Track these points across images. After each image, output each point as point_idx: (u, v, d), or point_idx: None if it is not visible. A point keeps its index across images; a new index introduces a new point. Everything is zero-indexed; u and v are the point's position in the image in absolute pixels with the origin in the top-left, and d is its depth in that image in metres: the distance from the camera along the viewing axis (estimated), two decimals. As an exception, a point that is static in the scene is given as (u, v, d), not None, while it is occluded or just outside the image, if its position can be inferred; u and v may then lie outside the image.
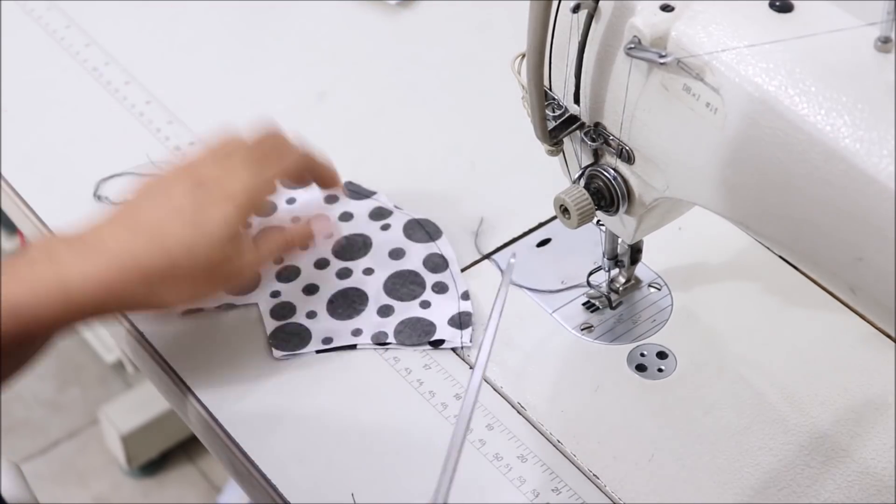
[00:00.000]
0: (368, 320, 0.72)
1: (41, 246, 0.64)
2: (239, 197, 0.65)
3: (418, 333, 0.71)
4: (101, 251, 0.63)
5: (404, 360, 0.71)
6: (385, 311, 0.72)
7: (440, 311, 0.72)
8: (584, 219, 0.66)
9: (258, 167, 0.68)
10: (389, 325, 0.71)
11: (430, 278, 0.73)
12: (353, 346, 0.71)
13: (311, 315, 0.72)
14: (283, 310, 0.72)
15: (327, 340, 0.71)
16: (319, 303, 0.73)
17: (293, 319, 0.72)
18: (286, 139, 0.71)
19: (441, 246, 0.75)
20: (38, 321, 0.61)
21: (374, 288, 0.73)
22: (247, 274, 0.68)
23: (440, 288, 0.73)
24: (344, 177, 0.83)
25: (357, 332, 0.71)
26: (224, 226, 0.65)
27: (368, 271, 0.74)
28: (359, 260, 0.75)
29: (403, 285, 0.73)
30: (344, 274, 0.74)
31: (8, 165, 0.83)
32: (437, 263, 0.74)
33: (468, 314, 0.71)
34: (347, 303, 0.73)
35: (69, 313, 0.62)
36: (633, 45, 0.59)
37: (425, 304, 0.72)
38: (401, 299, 0.72)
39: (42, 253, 0.63)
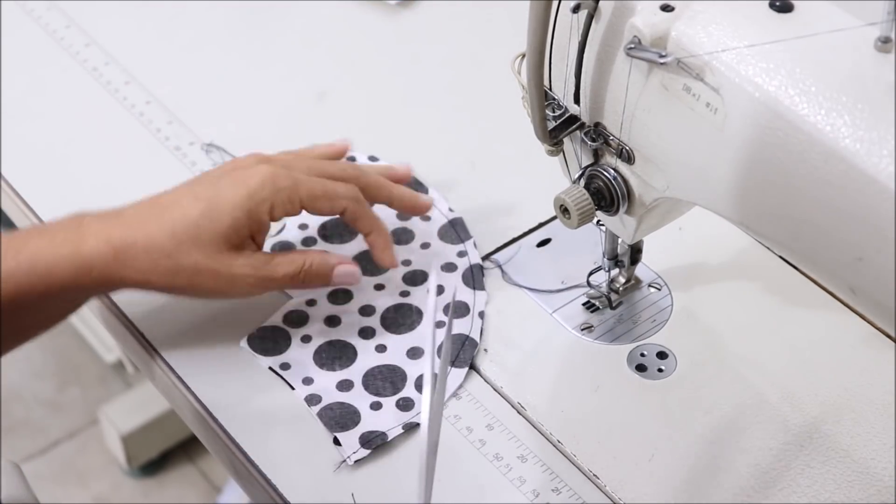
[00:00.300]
0: (325, 380, 0.69)
1: (76, 214, 0.68)
2: (254, 184, 0.67)
3: (338, 423, 0.67)
4: (119, 219, 0.67)
5: (404, 360, 0.71)
6: (343, 386, 0.69)
7: (383, 414, 0.67)
8: (584, 219, 0.66)
9: (288, 167, 0.69)
10: (328, 398, 0.68)
11: (412, 374, 0.69)
12: (291, 387, 0.69)
13: (306, 339, 0.71)
14: (296, 317, 0.72)
15: (284, 366, 0.70)
16: (320, 335, 0.71)
17: (288, 329, 0.71)
18: (349, 165, 0.72)
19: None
20: (51, 275, 0.65)
21: (363, 362, 0.69)
22: (243, 274, 0.67)
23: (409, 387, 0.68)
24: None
25: (308, 381, 0.69)
26: (231, 208, 0.66)
27: (381, 347, 0.71)
28: (394, 334, 0.71)
29: (385, 378, 0.69)
30: (367, 333, 0.71)
31: (7, 165, 0.83)
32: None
33: (377, 434, 0.66)
34: (334, 354, 0.70)
35: (80, 271, 0.65)
36: (633, 45, 0.59)
37: (376, 406, 0.68)
38: (365, 387, 0.68)
39: (73, 218, 0.67)
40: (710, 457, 0.66)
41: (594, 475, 0.65)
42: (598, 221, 0.70)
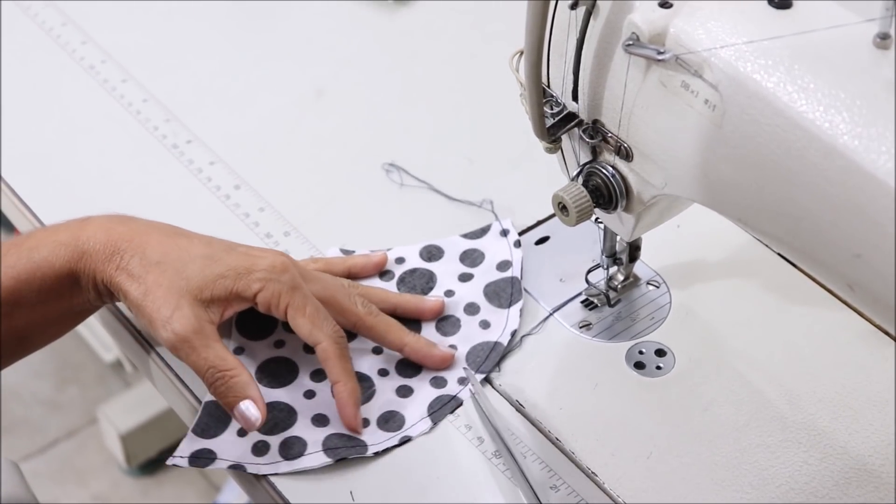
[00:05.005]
0: (299, 387, 0.68)
1: (88, 215, 0.68)
2: (259, 264, 0.66)
3: (205, 424, 0.66)
4: (126, 220, 0.67)
5: (402, 358, 0.71)
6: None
7: (240, 443, 0.66)
8: (583, 216, 0.66)
9: (304, 277, 0.67)
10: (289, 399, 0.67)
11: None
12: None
13: (279, 344, 0.71)
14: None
15: (238, 350, 0.70)
16: (294, 348, 0.70)
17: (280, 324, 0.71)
18: (361, 301, 0.69)
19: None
20: (48, 262, 0.65)
21: (290, 395, 0.68)
22: (175, 325, 0.64)
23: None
24: (344, 171, 0.83)
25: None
26: (226, 268, 0.65)
27: (384, 372, 0.69)
28: (371, 356, 0.70)
29: (281, 412, 0.67)
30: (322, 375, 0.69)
31: (5, 164, 0.82)
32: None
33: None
34: (282, 369, 0.69)
35: (74, 256, 0.65)
36: (631, 42, 0.58)
37: (242, 432, 0.66)
38: (314, 418, 0.67)
39: (83, 216, 0.68)
40: (708, 454, 0.66)
41: (592, 472, 0.65)
42: (597, 219, 0.70)
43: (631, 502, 0.64)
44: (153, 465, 1.42)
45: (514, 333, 0.71)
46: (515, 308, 0.72)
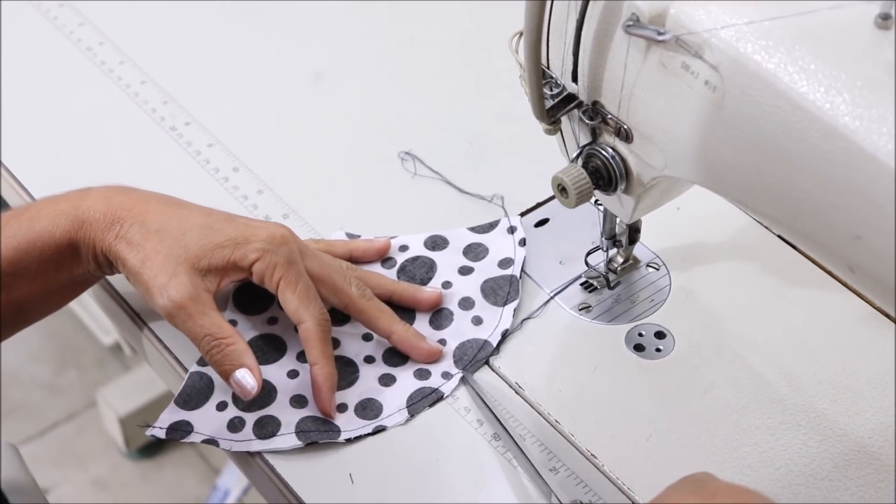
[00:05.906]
0: (284, 366, 0.68)
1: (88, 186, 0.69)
2: (258, 234, 0.66)
3: (187, 396, 0.67)
4: (126, 190, 0.67)
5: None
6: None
7: (221, 415, 0.66)
8: (582, 198, 0.65)
9: (302, 253, 0.67)
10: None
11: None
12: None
13: (272, 321, 0.71)
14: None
15: (233, 322, 0.70)
16: (287, 328, 0.70)
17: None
18: (356, 285, 0.68)
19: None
20: (48, 232, 0.65)
21: (276, 372, 0.68)
22: (171, 292, 0.64)
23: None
24: (342, 155, 0.83)
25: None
26: (225, 238, 0.65)
27: (370, 359, 0.69)
28: (360, 343, 0.70)
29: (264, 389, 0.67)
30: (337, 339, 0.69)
31: (4, 148, 0.82)
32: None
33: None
34: (273, 346, 0.69)
35: (74, 225, 0.65)
36: (631, 23, 0.58)
37: (222, 406, 0.67)
38: (293, 401, 0.67)
39: (83, 187, 0.68)
40: (707, 436, 0.66)
41: (592, 454, 0.65)
42: (597, 201, 0.70)
43: (630, 484, 0.64)
44: (153, 448, 1.43)
45: (504, 333, 0.70)
46: (510, 308, 0.71)
